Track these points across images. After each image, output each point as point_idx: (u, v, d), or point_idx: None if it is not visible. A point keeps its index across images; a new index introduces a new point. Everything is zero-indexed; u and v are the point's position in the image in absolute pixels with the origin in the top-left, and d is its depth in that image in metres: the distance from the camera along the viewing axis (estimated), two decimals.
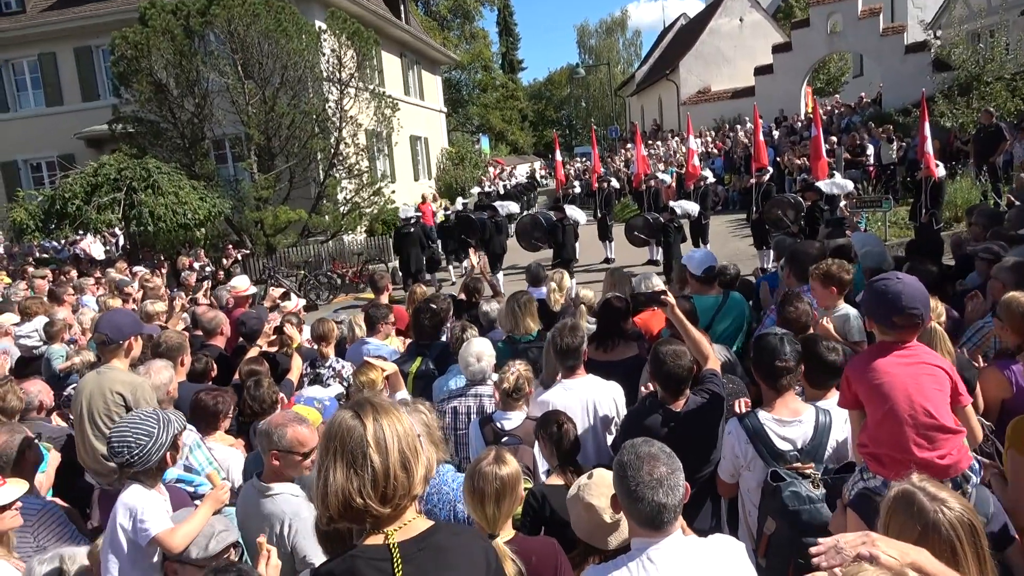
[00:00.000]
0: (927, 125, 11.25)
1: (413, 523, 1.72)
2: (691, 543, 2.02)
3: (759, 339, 3.25)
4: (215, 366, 5.16)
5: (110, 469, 3.62)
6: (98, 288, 10.14)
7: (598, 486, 2.43)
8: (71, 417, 4.71)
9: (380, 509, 1.65)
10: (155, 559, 2.76)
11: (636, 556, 1.99)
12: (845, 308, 4.49)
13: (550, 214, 14.12)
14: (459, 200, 21.02)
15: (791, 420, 3.04)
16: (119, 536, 2.72)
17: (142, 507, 2.75)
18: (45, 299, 8.06)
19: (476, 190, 24.14)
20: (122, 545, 2.72)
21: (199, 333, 6.18)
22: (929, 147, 11.16)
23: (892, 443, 2.59)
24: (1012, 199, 10.82)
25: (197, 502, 3.09)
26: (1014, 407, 3.39)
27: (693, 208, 13.27)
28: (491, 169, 34.07)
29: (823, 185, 11.77)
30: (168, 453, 2.88)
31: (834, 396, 3.23)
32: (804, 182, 12.97)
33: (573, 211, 13.88)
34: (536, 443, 3.40)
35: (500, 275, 13.43)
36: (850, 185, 12.71)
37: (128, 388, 3.97)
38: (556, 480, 3.16)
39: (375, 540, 1.68)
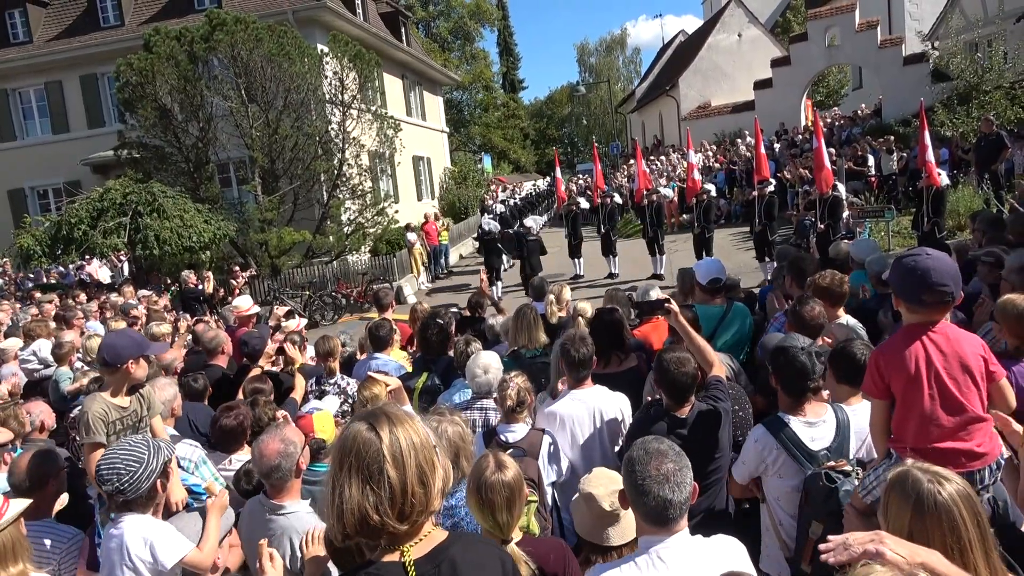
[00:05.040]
0: (927, 135, 11.28)
1: (429, 537, 1.68)
2: (698, 542, 2.02)
3: (783, 352, 3.15)
4: (210, 386, 5.07)
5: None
6: (100, 313, 10.18)
7: (598, 478, 2.45)
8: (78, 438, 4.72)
9: (398, 526, 1.60)
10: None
11: (645, 554, 1.98)
12: (845, 318, 4.50)
13: (522, 231, 15.67)
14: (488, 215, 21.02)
15: (816, 421, 3.07)
16: (139, 567, 2.64)
17: (157, 535, 2.69)
18: (51, 323, 8.10)
19: (499, 207, 24.07)
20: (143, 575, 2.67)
21: (199, 350, 6.22)
22: (930, 156, 11.18)
23: (931, 437, 2.57)
24: (1015, 204, 10.81)
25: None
26: (1018, 408, 3.39)
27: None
28: (493, 187, 34.21)
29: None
30: (159, 480, 2.81)
31: (859, 401, 3.25)
32: (806, 193, 13.13)
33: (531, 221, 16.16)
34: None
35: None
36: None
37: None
38: None
39: (391, 557, 1.63)
